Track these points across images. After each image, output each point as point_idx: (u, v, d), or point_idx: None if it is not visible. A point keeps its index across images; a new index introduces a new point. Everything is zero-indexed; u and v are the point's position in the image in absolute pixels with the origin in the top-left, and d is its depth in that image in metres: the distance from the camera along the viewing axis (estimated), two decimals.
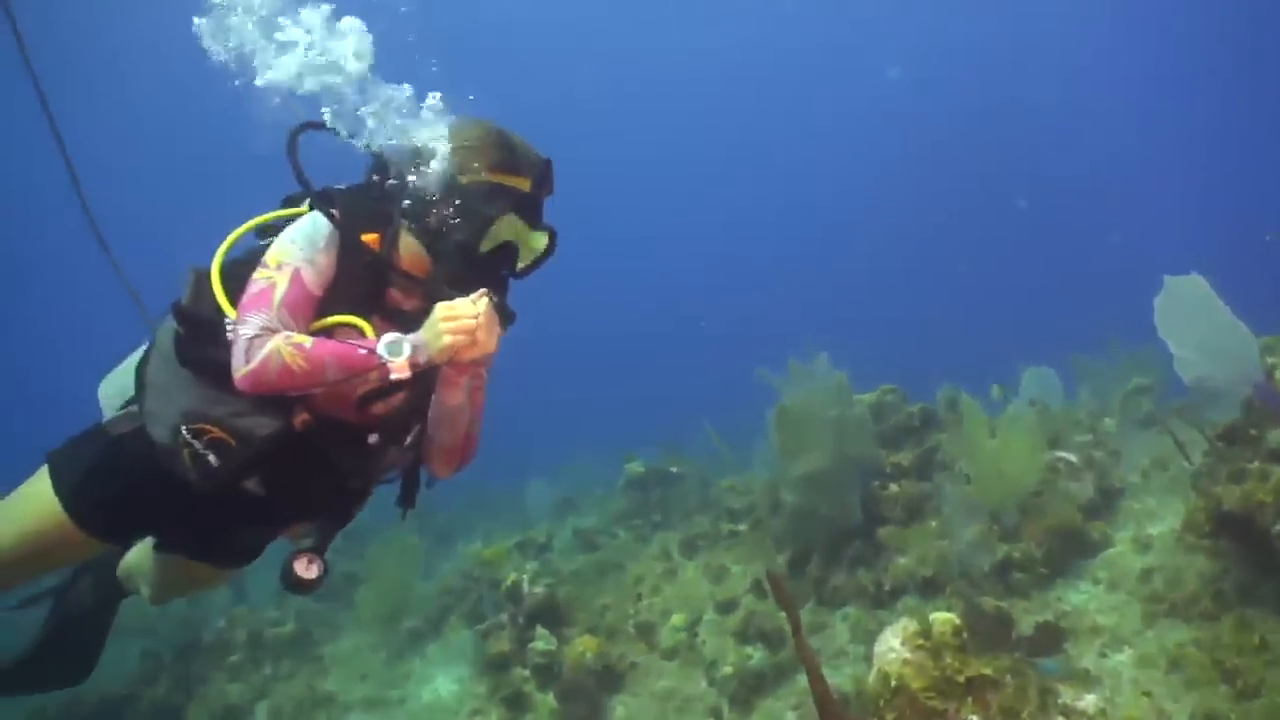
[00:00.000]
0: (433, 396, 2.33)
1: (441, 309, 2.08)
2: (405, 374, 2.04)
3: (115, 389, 2.47)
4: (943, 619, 3.49)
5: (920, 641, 3.41)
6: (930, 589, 5.86)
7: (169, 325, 2.28)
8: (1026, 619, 5.24)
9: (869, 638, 5.67)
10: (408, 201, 2.26)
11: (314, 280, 2.15)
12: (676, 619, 6.00)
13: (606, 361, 30.13)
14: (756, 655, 5.53)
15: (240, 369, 2.02)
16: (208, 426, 2.11)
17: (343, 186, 2.36)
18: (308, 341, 2.04)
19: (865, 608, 5.97)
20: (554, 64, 27.46)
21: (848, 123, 31.20)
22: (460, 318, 2.05)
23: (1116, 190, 29.34)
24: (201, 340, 2.17)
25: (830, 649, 5.77)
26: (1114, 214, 28.41)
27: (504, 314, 2.27)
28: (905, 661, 3.35)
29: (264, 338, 2.03)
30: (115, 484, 2.30)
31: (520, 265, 2.39)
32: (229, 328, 2.12)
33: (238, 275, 2.19)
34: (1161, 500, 5.99)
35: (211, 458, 2.10)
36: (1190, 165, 28.62)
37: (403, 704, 7.19)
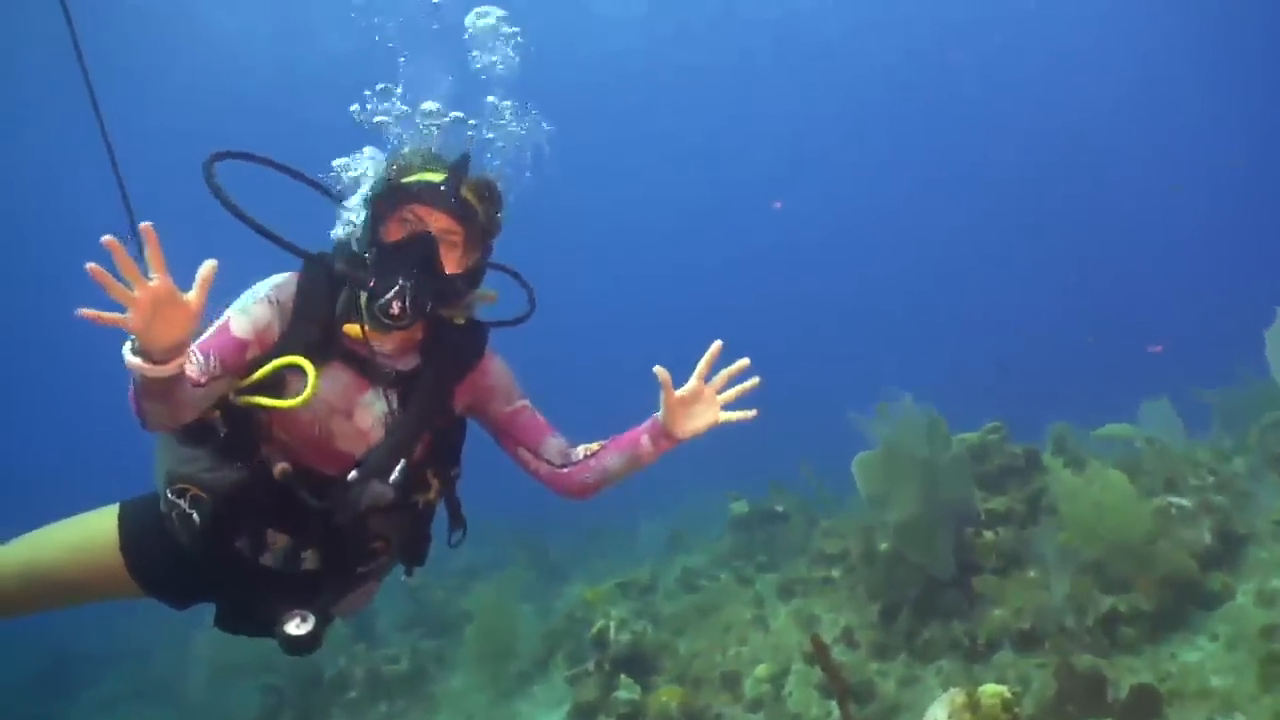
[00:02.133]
0: (638, 454, 2.45)
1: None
2: (137, 364, 1.82)
3: None
4: (991, 691, 3.36)
5: (968, 716, 3.29)
6: (1028, 643, 5.59)
7: None
8: (1129, 679, 4.92)
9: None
10: (341, 236, 2.36)
11: (241, 329, 2.20)
12: (760, 670, 5.94)
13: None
14: (837, 710, 5.40)
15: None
16: (186, 485, 2.20)
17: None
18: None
19: (959, 661, 5.74)
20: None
21: (937, 143, 30.15)
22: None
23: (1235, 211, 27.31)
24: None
25: (921, 705, 5.56)
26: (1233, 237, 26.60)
27: (420, 303, 2.25)
28: None
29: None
30: (167, 551, 2.33)
31: (447, 260, 2.31)
32: (227, 398, 2.22)
33: None
34: None
35: (194, 515, 2.17)
36: None
37: None
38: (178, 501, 2.19)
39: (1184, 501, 5.91)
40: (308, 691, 8.08)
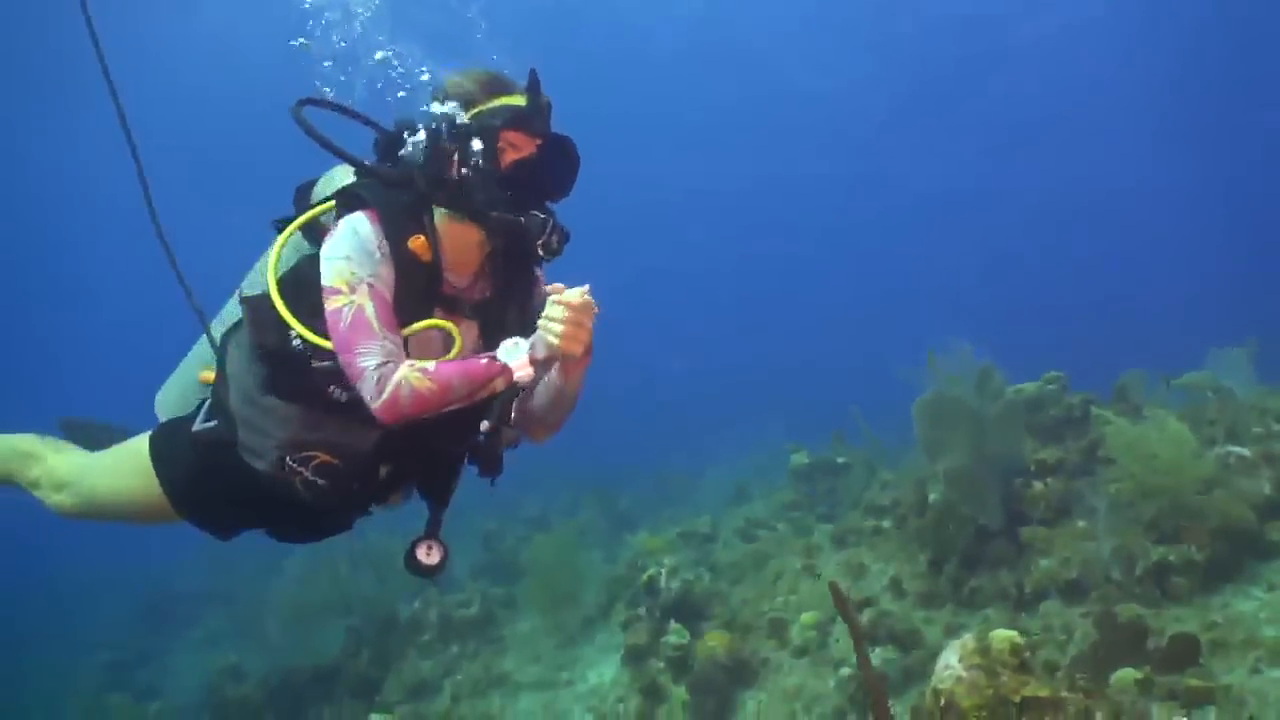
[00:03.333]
0: (551, 381, 2.32)
1: (552, 306, 2.12)
2: (528, 375, 2.12)
3: (170, 390, 2.65)
4: (1001, 636, 3.43)
5: (977, 659, 3.37)
6: (1074, 593, 5.57)
7: (239, 353, 2.36)
8: (1174, 628, 4.88)
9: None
10: (425, 176, 2.25)
11: (386, 292, 2.17)
12: (806, 617, 6.05)
13: (790, 345, 29.63)
14: (878, 657, 5.50)
15: (375, 401, 2.06)
16: (312, 453, 2.22)
17: (359, 172, 2.33)
18: (430, 364, 2.10)
19: (1005, 610, 5.76)
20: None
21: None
22: (567, 315, 2.09)
23: None
24: (292, 372, 2.22)
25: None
26: None
27: (561, 234, 2.25)
28: (959, 679, 3.32)
29: (389, 367, 2.07)
30: (220, 492, 2.42)
31: (554, 184, 2.32)
32: (340, 363, 2.12)
33: (298, 295, 2.22)
34: None
35: (321, 482, 2.23)
36: None
37: (570, 686, 7.65)
38: (300, 469, 2.23)
39: (1244, 451, 5.76)
40: (384, 633, 8.53)
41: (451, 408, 2.12)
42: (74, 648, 12.17)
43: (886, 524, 7.06)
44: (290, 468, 2.23)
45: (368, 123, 2.43)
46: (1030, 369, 7.58)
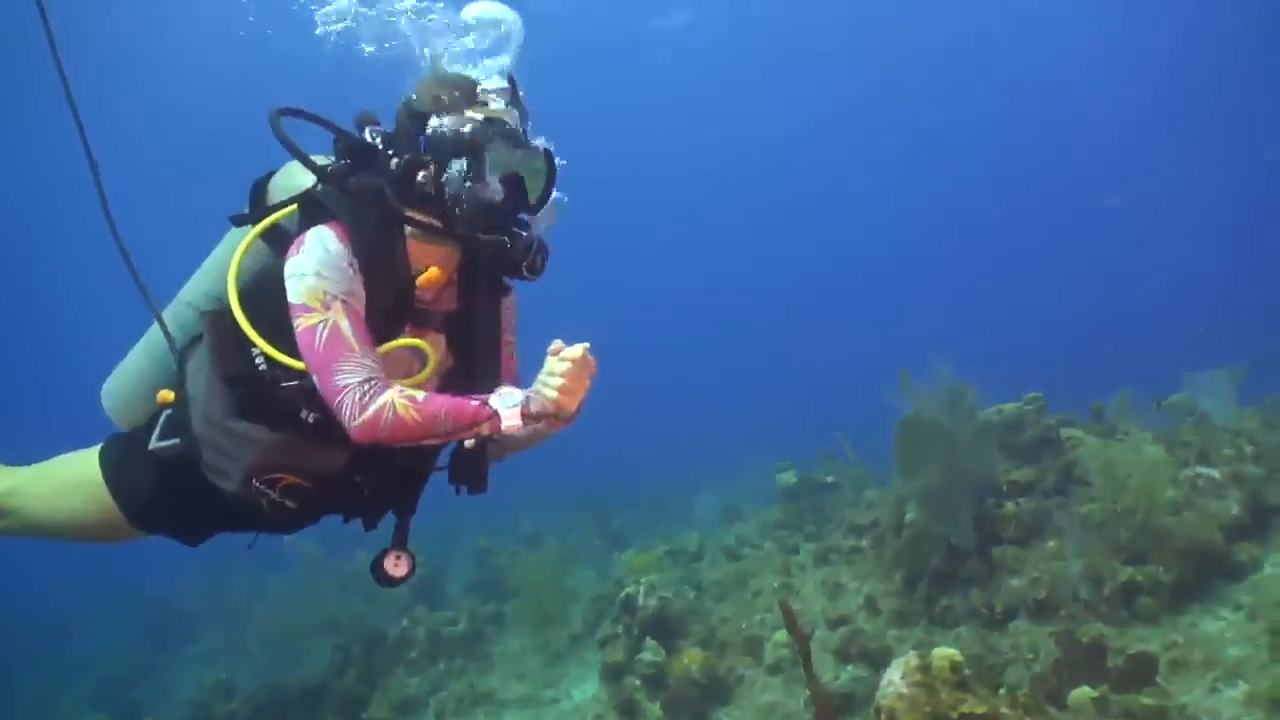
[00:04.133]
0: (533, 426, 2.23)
1: (552, 362, 2.06)
2: (517, 426, 2.04)
3: (121, 397, 2.53)
4: (941, 654, 3.50)
5: (918, 676, 3.44)
6: (1043, 612, 5.63)
7: (200, 374, 2.27)
8: (1137, 648, 4.93)
9: (975, 661, 5.55)
10: (399, 191, 2.18)
11: (359, 308, 2.11)
12: (780, 635, 6.11)
13: (791, 363, 29.62)
14: (849, 675, 5.56)
15: (355, 420, 1.98)
16: (279, 475, 2.17)
17: (322, 178, 2.24)
18: (420, 395, 2.02)
19: (977, 629, 5.81)
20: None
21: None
22: (568, 371, 2.04)
23: None
24: (259, 395, 2.16)
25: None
26: None
27: (541, 253, 2.26)
28: (900, 695, 3.40)
29: (373, 387, 2.00)
30: (183, 507, 2.37)
31: (532, 197, 2.29)
32: (316, 382, 2.04)
33: (259, 308, 2.15)
34: None
35: (290, 503, 2.20)
36: None
37: (555, 704, 7.72)
38: (267, 491, 2.18)
39: (1212, 472, 5.81)
40: (371, 650, 8.61)
41: (428, 443, 2.08)
42: (71, 665, 12.30)
43: (865, 543, 7.12)
44: (257, 489, 2.18)
45: (340, 132, 2.34)
46: (1020, 388, 7.65)
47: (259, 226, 2.25)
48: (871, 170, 31.35)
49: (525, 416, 2.04)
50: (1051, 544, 5.87)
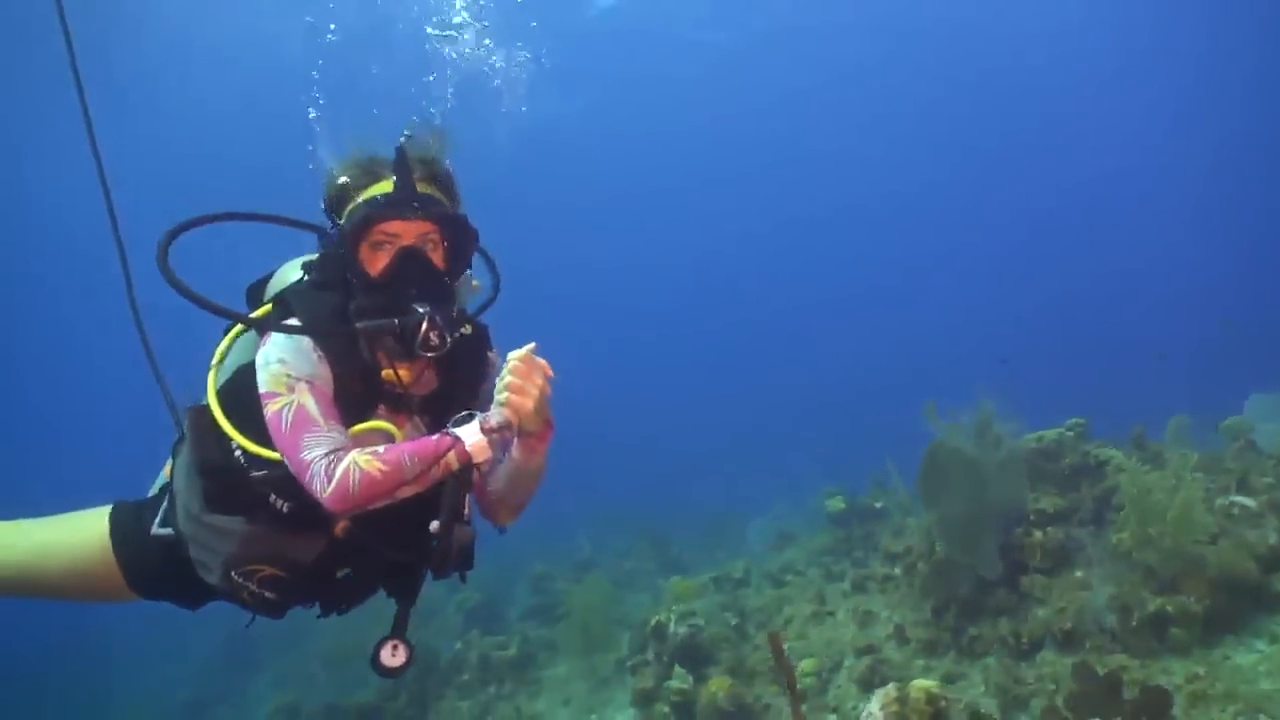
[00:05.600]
0: (512, 460, 2.29)
1: (503, 370, 2.09)
2: (482, 445, 2.04)
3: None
4: (919, 685, 3.56)
5: (895, 707, 3.51)
6: (1069, 642, 5.57)
7: (181, 469, 2.30)
8: (1161, 680, 4.85)
9: (1001, 692, 5.51)
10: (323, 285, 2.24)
11: (326, 389, 2.13)
12: (806, 664, 6.16)
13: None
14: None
15: (325, 490, 1.97)
16: (257, 567, 2.17)
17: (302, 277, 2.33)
18: (380, 447, 2.03)
19: (1004, 659, 5.77)
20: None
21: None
22: (514, 367, 2.08)
23: None
24: (231, 485, 2.17)
25: (965, 701, 5.64)
26: None
27: (452, 322, 2.20)
28: None
29: (337, 454, 2.01)
30: (185, 582, 2.37)
31: (442, 264, 2.25)
32: (288, 465, 2.06)
33: (239, 403, 2.19)
34: None
35: (269, 595, 2.19)
36: None
37: None
38: (245, 583, 2.18)
39: (1248, 501, 5.67)
40: (424, 674, 8.89)
41: (406, 492, 2.03)
42: (164, 683, 12.96)
43: (898, 571, 7.11)
44: (235, 582, 2.19)
45: (314, 228, 2.40)
46: (1065, 412, 7.54)
47: (235, 328, 2.34)
48: (910, 181, 30.67)
49: (487, 431, 2.04)
50: (1079, 574, 5.80)
